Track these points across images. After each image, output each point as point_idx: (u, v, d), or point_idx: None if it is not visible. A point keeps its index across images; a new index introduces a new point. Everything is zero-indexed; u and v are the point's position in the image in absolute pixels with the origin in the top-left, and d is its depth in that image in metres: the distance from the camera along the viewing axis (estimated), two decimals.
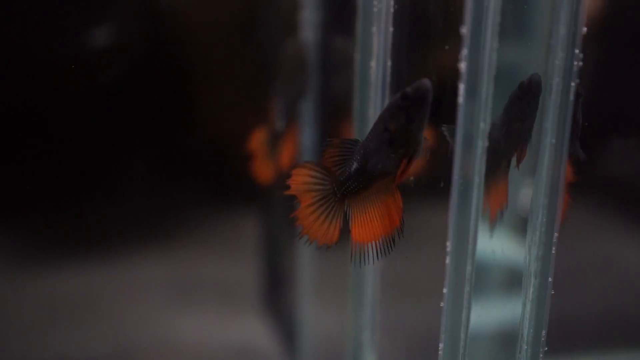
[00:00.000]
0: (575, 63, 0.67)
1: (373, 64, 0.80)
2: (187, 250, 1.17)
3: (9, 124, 1.03)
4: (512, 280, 1.24)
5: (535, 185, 0.73)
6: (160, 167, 1.11)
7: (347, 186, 0.68)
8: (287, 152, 1.06)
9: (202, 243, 1.17)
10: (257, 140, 1.04)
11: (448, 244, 0.68)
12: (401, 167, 0.67)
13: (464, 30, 0.62)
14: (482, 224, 0.75)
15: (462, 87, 0.64)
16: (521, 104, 0.72)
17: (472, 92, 0.63)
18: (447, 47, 0.68)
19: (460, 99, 0.64)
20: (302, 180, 0.68)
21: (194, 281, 1.17)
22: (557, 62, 0.66)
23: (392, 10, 0.77)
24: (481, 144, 0.65)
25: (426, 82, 0.64)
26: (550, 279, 0.75)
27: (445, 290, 0.70)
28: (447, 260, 0.68)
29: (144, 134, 1.08)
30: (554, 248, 0.74)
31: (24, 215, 1.07)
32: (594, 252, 1.24)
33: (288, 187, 0.68)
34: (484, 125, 0.65)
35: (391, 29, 0.78)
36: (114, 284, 1.13)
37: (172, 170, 1.12)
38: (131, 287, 1.14)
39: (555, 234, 0.73)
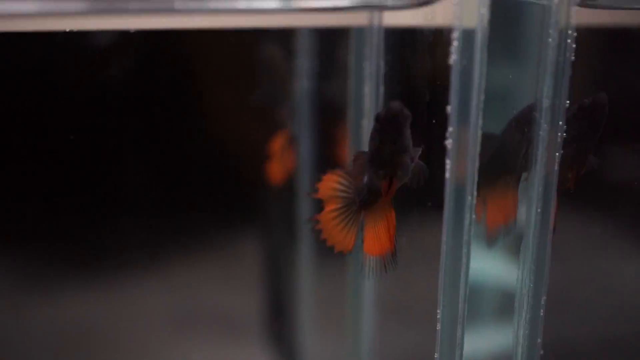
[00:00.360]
0: (559, 134, 0.69)
1: (365, 122, 0.82)
2: (187, 278, 1.18)
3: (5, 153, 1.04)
4: (505, 302, 1.25)
5: (527, 205, 0.75)
6: (158, 193, 1.12)
7: (362, 198, 0.70)
8: (289, 158, 1.08)
9: (202, 271, 1.18)
10: (277, 144, 1.06)
11: (440, 268, 0.70)
12: (383, 187, 0.69)
13: (449, 109, 0.64)
14: (478, 243, 0.77)
15: (448, 163, 0.66)
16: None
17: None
18: (434, 121, 0.70)
19: (447, 174, 0.66)
20: (331, 186, 0.70)
21: (195, 310, 1.19)
22: (541, 134, 0.68)
23: (382, 71, 0.79)
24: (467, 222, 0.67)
25: (395, 104, 0.64)
26: (543, 299, 0.77)
27: (439, 315, 0.72)
28: (440, 282, 0.71)
29: (141, 158, 1.09)
30: (547, 266, 0.76)
31: (19, 244, 1.08)
32: (593, 270, 1.25)
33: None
34: (470, 200, 0.67)
35: (382, 89, 0.80)
36: (113, 313, 1.14)
37: (171, 196, 1.13)
38: (130, 316, 1.16)
39: (548, 251, 0.75)
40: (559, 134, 0.68)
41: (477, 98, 0.64)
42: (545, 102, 0.68)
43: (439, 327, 0.73)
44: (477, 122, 0.65)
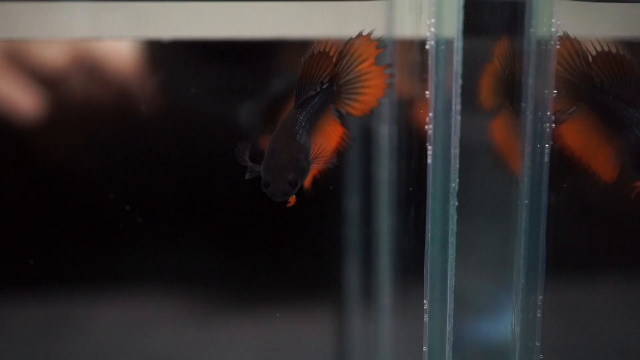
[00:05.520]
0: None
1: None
2: (269, 319, 1.17)
3: None
4: None
5: None
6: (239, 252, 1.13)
7: None
8: None
9: (282, 312, 1.17)
10: None
11: None
12: None
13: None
14: None
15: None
16: None
17: None
18: None
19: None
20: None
21: (274, 348, 1.18)
22: None
23: None
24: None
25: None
26: None
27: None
28: None
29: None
30: None
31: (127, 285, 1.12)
32: None
33: None
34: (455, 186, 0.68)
35: None
36: (200, 348, 1.16)
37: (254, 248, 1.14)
38: (217, 351, 1.16)
39: None
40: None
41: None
42: None
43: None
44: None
